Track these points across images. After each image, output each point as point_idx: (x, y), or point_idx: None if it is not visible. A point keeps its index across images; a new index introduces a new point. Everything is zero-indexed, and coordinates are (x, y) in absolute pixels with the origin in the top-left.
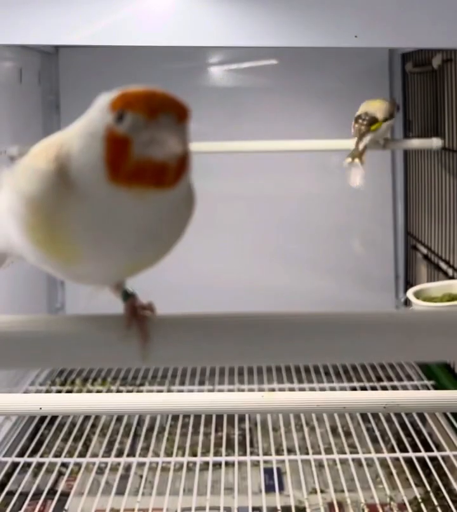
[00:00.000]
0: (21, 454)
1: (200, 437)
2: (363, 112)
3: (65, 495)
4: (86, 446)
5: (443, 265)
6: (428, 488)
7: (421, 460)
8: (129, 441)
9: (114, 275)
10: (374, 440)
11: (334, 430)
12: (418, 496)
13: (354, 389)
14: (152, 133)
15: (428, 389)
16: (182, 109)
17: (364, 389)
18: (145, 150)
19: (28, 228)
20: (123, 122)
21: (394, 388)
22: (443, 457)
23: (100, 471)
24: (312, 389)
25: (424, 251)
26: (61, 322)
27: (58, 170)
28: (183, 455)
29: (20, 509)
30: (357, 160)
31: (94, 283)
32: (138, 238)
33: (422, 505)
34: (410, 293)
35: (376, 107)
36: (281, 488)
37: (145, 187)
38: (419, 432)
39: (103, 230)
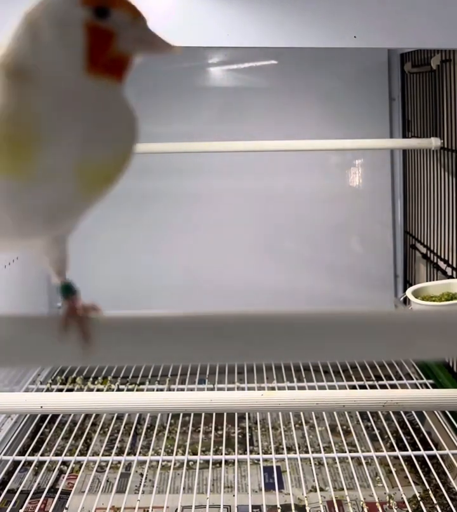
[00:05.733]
0: (22, 452)
1: (201, 436)
2: None
3: (65, 493)
4: (87, 444)
5: (442, 264)
6: (427, 487)
7: (420, 459)
8: (129, 440)
9: (68, 202)
10: (373, 439)
11: (333, 428)
12: (417, 494)
13: (353, 387)
14: (139, 31)
15: (427, 387)
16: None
17: (363, 387)
18: (130, 46)
19: None
20: (108, 18)
21: (393, 387)
22: (442, 456)
23: (101, 469)
24: (312, 388)
25: (423, 250)
26: None
27: (7, 66)
28: (184, 453)
29: (21, 507)
30: None
31: (39, 228)
32: (95, 128)
33: (421, 503)
34: (409, 292)
35: None
36: (281, 486)
37: (112, 78)
38: (418, 431)
39: (63, 118)
